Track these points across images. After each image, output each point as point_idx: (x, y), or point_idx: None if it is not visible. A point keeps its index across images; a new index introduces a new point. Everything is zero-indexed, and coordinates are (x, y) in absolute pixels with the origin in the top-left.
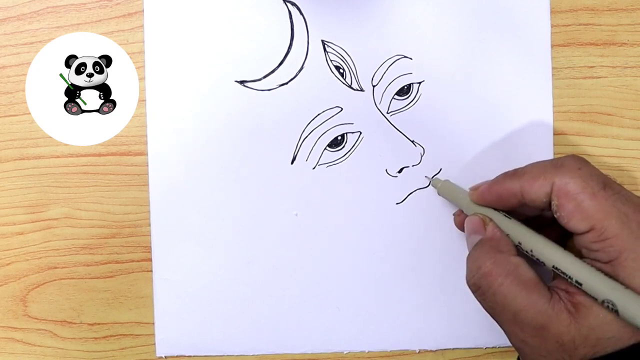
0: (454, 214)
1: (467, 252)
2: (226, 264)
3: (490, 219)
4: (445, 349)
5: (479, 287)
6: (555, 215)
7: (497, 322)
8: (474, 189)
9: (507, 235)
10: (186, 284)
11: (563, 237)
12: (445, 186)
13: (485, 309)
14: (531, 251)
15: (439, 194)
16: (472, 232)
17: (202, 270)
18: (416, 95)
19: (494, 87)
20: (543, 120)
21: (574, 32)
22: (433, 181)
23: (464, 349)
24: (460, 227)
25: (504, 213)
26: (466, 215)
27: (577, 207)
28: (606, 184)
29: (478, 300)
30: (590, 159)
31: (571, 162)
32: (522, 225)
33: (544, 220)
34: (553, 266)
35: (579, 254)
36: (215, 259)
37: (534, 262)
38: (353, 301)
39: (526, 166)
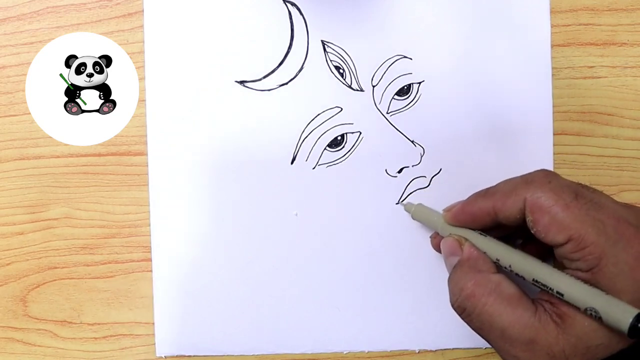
0: (430, 237)
1: None
2: (226, 264)
3: (466, 239)
4: (445, 349)
5: (463, 310)
6: (532, 231)
7: (486, 341)
8: (447, 210)
9: (485, 253)
10: (186, 284)
11: (548, 250)
12: (419, 210)
13: (474, 330)
14: (510, 266)
15: (413, 219)
16: (449, 254)
17: (202, 270)
18: (416, 95)
19: (494, 87)
20: (543, 120)
21: (574, 32)
22: (406, 206)
23: (464, 349)
24: (438, 249)
25: (480, 231)
26: (442, 237)
27: (552, 220)
28: (578, 194)
29: (465, 321)
30: (590, 159)
31: (541, 176)
32: (498, 242)
33: (526, 236)
34: (533, 279)
35: (561, 266)
36: (215, 259)
37: (516, 277)
38: (353, 301)
39: (497, 184)
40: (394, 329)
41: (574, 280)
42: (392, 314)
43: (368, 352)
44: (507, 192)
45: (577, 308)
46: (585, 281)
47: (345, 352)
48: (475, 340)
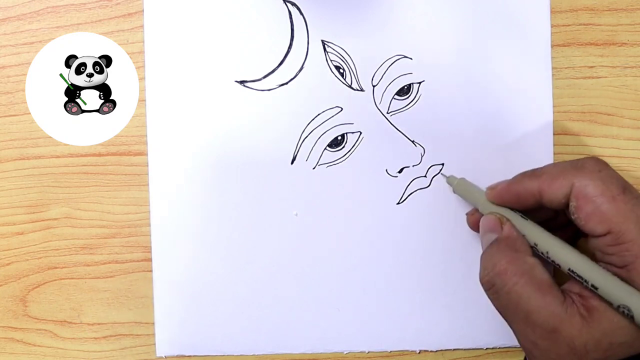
0: (467, 213)
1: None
2: (226, 264)
3: (507, 219)
4: (445, 350)
5: (492, 285)
6: (572, 217)
7: (507, 321)
8: (491, 188)
9: (523, 236)
10: (186, 284)
11: (571, 241)
12: (461, 184)
13: (497, 308)
14: (547, 253)
15: (454, 192)
16: (487, 230)
17: (202, 270)
18: (416, 95)
19: (494, 87)
20: (543, 120)
21: (574, 32)
22: (449, 179)
23: (464, 349)
24: (474, 226)
25: (521, 214)
26: (480, 215)
27: (596, 209)
28: (626, 188)
29: (490, 298)
30: None
31: (592, 164)
32: (539, 227)
33: (553, 224)
34: (569, 269)
35: (592, 257)
36: (215, 259)
37: (550, 265)
38: (353, 301)
39: (545, 166)
40: (394, 329)
41: (610, 276)
42: (392, 314)
43: (368, 352)
44: (555, 174)
45: (608, 303)
46: (618, 277)
47: (345, 352)
48: (475, 341)
